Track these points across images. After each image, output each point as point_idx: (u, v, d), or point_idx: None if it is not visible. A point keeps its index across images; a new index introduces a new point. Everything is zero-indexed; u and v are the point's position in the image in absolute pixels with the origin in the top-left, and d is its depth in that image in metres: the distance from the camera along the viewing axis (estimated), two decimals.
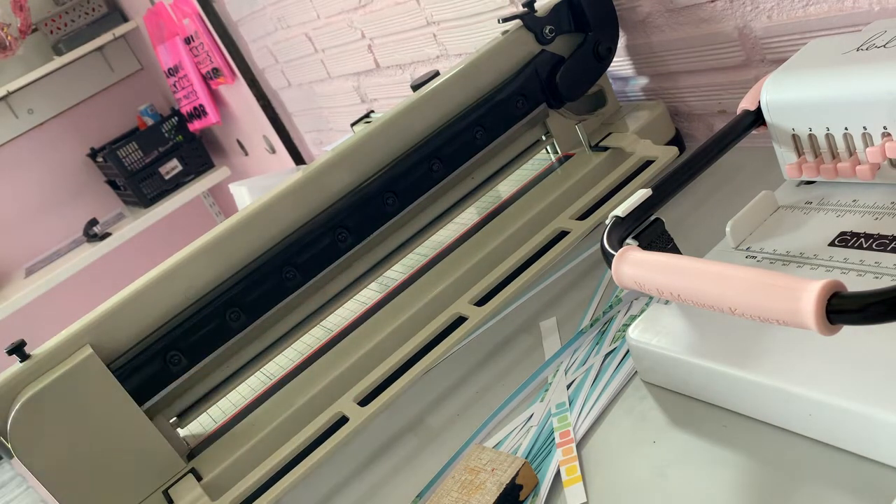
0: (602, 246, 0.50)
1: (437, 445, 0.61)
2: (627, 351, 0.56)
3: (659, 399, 0.52)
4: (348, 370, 0.66)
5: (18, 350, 0.59)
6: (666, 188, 0.54)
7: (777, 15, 0.68)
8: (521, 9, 0.77)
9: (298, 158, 2.01)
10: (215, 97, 2.26)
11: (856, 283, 0.46)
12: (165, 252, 0.68)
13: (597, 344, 0.60)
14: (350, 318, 0.74)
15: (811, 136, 0.54)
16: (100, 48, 2.57)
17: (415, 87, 0.84)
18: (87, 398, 0.58)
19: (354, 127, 1.04)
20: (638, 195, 0.53)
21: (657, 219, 0.53)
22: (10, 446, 0.57)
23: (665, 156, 0.73)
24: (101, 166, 2.70)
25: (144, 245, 2.61)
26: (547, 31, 0.77)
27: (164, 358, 0.63)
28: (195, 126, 2.47)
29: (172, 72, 2.32)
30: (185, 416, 0.67)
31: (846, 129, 0.52)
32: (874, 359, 0.41)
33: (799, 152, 0.56)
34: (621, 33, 0.84)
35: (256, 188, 1.66)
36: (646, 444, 0.50)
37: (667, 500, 0.45)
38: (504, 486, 0.49)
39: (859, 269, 0.47)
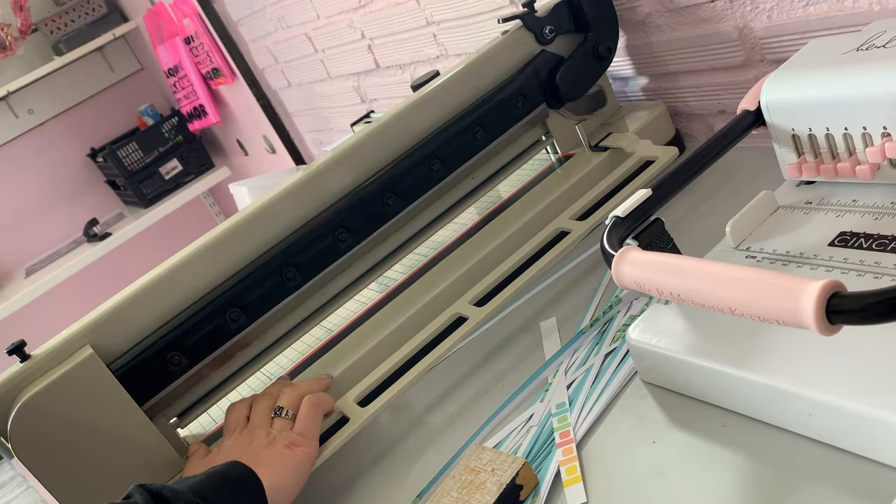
0: (602, 246, 0.50)
1: (437, 445, 0.61)
2: (627, 351, 0.56)
3: (659, 399, 0.52)
4: (348, 371, 0.66)
5: (18, 350, 0.59)
6: (666, 188, 0.54)
7: (777, 15, 0.68)
8: (521, 9, 0.77)
9: (298, 158, 2.01)
10: (215, 97, 2.26)
11: (856, 283, 0.46)
12: (165, 252, 0.68)
13: (597, 344, 0.60)
14: (350, 318, 0.74)
15: (811, 136, 0.54)
16: (100, 48, 2.56)
17: (415, 87, 0.84)
18: (87, 398, 0.58)
19: (354, 127, 1.04)
20: (638, 195, 0.53)
21: (657, 219, 0.53)
22: (10, 446, 0.57)
23: (665, 156, 0.73)
24: (101, 166, 2.70)
25: (144, 245, 2.61)
26: (547, 31, 0.77)
27: (164, 358, 0.63)
28: (195, 126, 2.47)
29: (172, 72, 2.32)
30: (185, 416, 0.67)
31: (846, 129, 0.52)
32: (874, 359, 0.41)
33: (799, 152, 0.56)
34: (621, 33, 0.84)
35: (256, 188, 1.66)
36: (646, 444, 0.50)
37: (667, 500, 0.45)
38: (504, 486, 0.49)
39: (859, 269, 0.47)
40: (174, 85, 2.38)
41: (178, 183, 2.58)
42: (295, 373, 0.70)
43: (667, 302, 0.53)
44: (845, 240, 0.50)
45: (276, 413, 0.61)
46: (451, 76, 0.75)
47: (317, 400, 0.62)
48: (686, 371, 0.50)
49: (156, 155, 2.53)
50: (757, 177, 0.69)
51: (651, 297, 0.61)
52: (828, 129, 0.53)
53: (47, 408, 0.57)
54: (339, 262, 0.69)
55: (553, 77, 0.78)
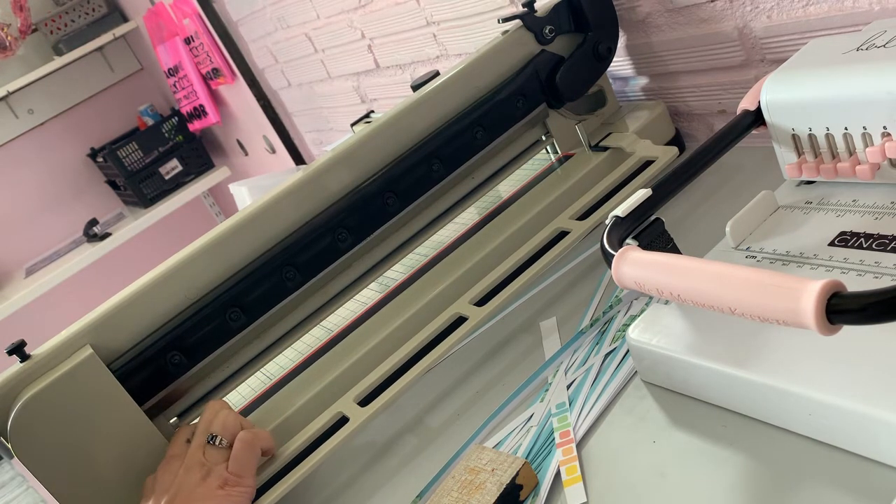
0: (602, 246, 0.50)
1: (437, 445, 0.61)
2: (627, 351, 0.56)
3: (659, 399, 0.52)
4: (348, 370, 0.66)
5: (18, 350, 0.59)
6: (666, 188, 0.54)
7: (777, 15, 0.68)
8: (521, 9, 0.77)
9: (298, 158, 2.01)
10: (215, 97, 2.26)
11: (856, 283, 0.46)
12: (165, 252, 0.68)
13: (597, 344, 0.60)
14: (350, 318, 0.74)
15: (811, 136, 0.54)
16: (100, 48, 2.56)
17: (415, 87, 0.84)
18: (87, 398, 0.58)
19: (354, 127, 1.04)
20: (638, 195, 0.53)
21: (657, 219, 0.53)
22: (10, 446, 0.57)
23: (665, 156, 0.73)
24: (101, 166, 2.70)
25: (144, 245, 2.61)
26: (547, 31, 0.77)
27: (164, 358, 0.63)
28: (195, 126, 2.47)
29: (172, 72, 2.32)
30: (185, 416, 0.67)
31: (846, 128, 0.52)
32: (874, 359, 0.41)
33: (799, 152, 0.56)
34: (621, 33, 0.84)
35: (256, 188, 1.66)
36: (646, 444, 0.50)
37: (667, 500, 0.45)
38: (504, 486, 0.49)
39: (859, 269, 0.47)
40: (174, 85, 2.38)
41: (178, 183, 2.58)
42: (295, 372, 0.70)
43: (667, 302, 0.53)
44: (845, 240, 0.50)
45: (209, 440, 0.58)
46: (451, 76, 0.75)
47: (252, 436, 0.59)
48: (686, 371, 0.50)
49: (156, 155, 2.53)
50: (757, 177, 0.69)
51: (651, 297, 0.61)
52: (828, 129, 0.53)
53: (47, 408, 0.57)
54: (339, 262, 0.69)
55: (553, 77, 0.78)
